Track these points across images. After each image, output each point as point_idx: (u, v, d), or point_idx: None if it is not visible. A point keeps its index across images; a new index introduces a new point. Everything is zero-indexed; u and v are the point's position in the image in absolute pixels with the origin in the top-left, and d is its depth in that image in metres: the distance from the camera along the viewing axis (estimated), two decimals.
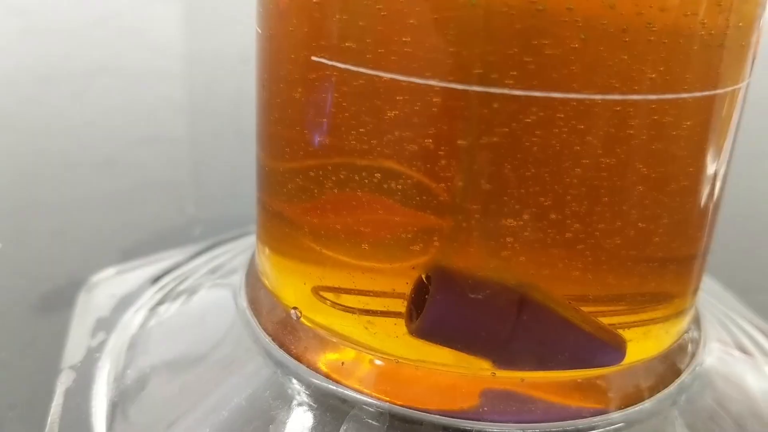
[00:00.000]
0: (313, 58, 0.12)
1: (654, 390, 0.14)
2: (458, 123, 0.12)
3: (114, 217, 0.26)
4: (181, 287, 0.18)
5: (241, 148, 0.33)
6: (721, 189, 0.14)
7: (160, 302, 0.18)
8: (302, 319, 0.14)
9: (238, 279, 0.17)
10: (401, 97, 0.12)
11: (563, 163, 0.12)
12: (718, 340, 0.16)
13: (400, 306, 0.13)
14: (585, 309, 0.13)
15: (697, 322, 0.16)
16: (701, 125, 0.12)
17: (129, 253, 0.22)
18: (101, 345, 0.17)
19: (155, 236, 0.24)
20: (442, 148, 0.12)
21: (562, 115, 0.11)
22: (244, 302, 0.15)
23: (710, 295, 0.19)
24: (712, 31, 0.12)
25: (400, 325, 0.13)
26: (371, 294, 0.13)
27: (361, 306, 0.13)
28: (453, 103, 0.11)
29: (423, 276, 0.13)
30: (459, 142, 0.12)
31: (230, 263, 0.19)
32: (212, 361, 0.15)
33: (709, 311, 0.18)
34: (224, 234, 0.23)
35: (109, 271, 0.20)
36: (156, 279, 0.19)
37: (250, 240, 0.22)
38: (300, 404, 0.13)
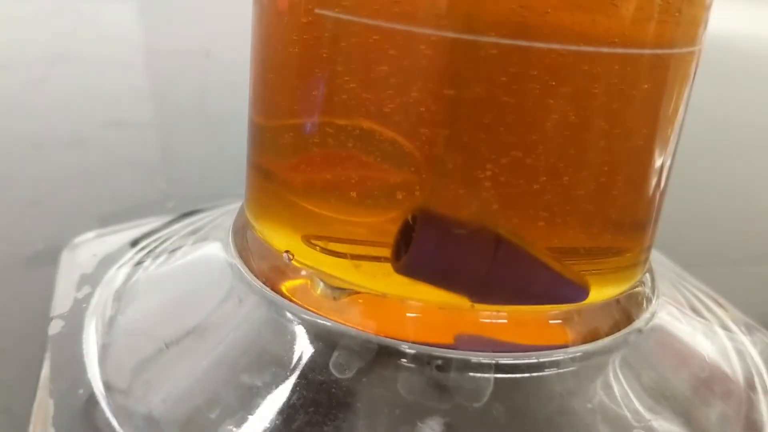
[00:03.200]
0: (317, 10, 0.13)
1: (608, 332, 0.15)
2: (445, 74, 0.13)
3: (87, 191, 0.26)
4: (163, 247, 0.19)
5: (207, 135, 0.33)
6: (673, 153, 0.16)
7: (143, 260, 0.18)
8: (293, 261, 0.15)
9: (223, 236, 0.17)
10: (390, 48, 0.13)
11: (537, 115, 0.13)
12: (668, 296, 0.18)
13: (387, 252, 0.14)
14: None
15: (651, 273, 0.18)
16: (657, 84, 0.14)
17: (106, 222, 0.23)
18: (87, 296, 0.17)
19: (131, 207, 0.24)
20: (427, 99, 0.13)
21: (540, 69, 0.13)
22: (233, 251, 0.16)
23: (659, 264, 0.21)
24: None
25: (387, 266, 0.14)
26: (359, 242, 0.14)
27: (349, 251, 0.14)
28: (440, 53, 0.13)
29: (409, 217, 0.14)
30: (445, 92, 0.13)
31: (211, 225, 0.20)
32: (206, 302, 0.15)
33: (660, 274, 0.19)
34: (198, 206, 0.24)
35: (89, 235, 0.21)
36: (136, 241, 0.20)
37: (227, 208, 0.22)
38: (292, 337, 0.14)
